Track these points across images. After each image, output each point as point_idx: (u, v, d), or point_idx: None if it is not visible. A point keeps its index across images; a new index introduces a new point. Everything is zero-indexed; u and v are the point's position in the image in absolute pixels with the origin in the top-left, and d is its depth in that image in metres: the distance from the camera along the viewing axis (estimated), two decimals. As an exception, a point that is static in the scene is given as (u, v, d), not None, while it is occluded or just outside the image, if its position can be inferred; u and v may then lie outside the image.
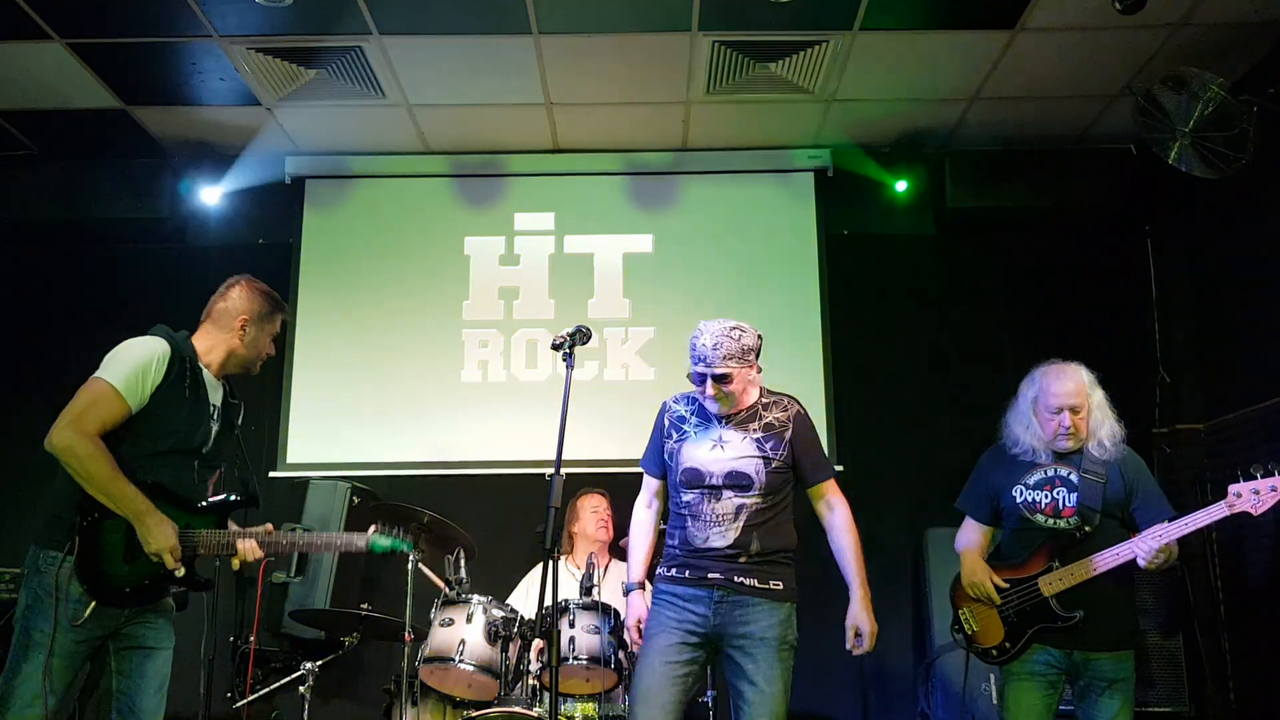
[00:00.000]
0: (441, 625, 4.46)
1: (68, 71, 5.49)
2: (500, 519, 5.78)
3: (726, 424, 3.55)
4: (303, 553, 3.41)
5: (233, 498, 3.45)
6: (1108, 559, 3.54)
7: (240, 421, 3.61)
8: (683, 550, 3.52)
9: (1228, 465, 5.57)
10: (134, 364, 3.22)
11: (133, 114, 5.97)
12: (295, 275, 6.45)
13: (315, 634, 5.20)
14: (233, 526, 3.46)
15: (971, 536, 3.96)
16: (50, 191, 6.26)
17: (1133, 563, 3.55)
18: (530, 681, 4.38)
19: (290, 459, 6.18)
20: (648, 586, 3.76)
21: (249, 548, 3.36)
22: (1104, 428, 3.72)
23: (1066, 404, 3.68)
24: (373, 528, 3.68)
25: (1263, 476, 3.39)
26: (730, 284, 6.40)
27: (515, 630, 4.35)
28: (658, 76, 5.66)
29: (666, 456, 3.64)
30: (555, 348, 3.40)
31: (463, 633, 4.38)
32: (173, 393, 3.27)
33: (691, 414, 3.64)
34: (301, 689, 4.61)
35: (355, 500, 5.59)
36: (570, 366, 3.30)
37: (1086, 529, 3.61)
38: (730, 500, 3.45)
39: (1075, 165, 6.25)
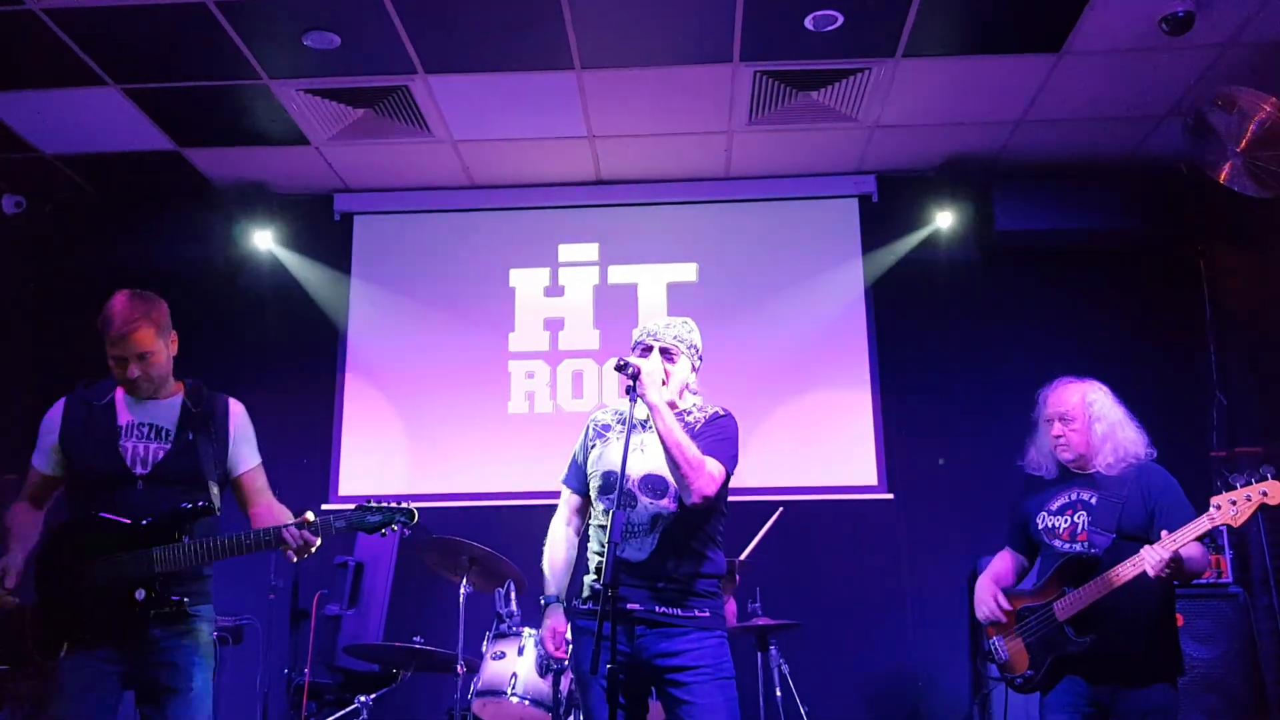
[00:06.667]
0: (493, 658, 4.48)
1: (123, 115, 5.63)
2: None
3: (650, 429, 3.24)
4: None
5: (185, 505, 3.29)
6: (1120, 572, 3.39)
7: (215, 428, 3.45)
8: (598, 576, 3.19)
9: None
10: (39, 434, 3.45)
11: (185, 155, 6.10)
12: (345, 311, 6.56)
13: (369, 667, 5.23)
14: (284, 518, 3.41)
15: (995, 563, 3.90)
16: (105, 234, 6.41)
17: (1166, 591, 3.48)
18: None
19: (342, 491, 6.24)
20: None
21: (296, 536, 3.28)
22: (1109, 443, 3.61)
23: (1055, 413, 3.70)
24: (353, 507, 3.47)
25: (1242, 486, 3.26)
26: (775, 312, 6.39)
27: (566, 663, 4.34)
28: (700, 107, 5.69)
29: (588, 466, 3.41)
30: (619, 369, 3.16)
31: (514, 665, 4.40)
32: (73, 433, 3.40)
33: (616, 421, 3.42)
34: (356, 722, 4.65)
35: (406, 533, 5.62)
36: (634, 400, 3.12)
37: (1093, 551, 3.52)
38: (646, 508, 3.20)
39: (1124, 187, 6.18)
